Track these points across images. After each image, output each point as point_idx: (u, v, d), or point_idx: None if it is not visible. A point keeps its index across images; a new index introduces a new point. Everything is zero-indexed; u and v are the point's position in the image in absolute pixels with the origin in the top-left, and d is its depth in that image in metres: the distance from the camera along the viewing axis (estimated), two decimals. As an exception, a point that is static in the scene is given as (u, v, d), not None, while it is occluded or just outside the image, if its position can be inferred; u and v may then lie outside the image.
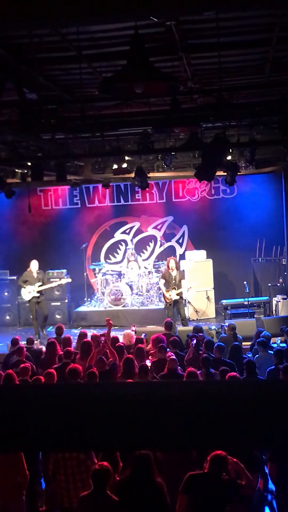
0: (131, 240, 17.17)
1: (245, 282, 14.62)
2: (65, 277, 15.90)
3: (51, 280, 15.36)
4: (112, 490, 5.11)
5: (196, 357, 9.08)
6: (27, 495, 6.38)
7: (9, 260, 17.08)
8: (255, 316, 14.26)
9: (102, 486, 5.04)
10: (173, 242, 17.55)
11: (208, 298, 15.72)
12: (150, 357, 9.62)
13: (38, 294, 14.46)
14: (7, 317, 16.63)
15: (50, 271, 16.04)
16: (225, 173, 12.03)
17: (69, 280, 15.54)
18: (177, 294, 13.82)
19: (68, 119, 9.39)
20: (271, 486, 6.73)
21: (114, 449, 4.96)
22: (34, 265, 14.64)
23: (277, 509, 6.21)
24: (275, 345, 10.40)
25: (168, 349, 9.62)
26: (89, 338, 10.26)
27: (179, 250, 17.43)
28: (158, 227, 17.60)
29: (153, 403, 1.95)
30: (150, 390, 2.09)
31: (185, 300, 14.76)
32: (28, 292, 14.45)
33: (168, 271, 14.08)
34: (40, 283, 14.47)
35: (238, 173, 11.90)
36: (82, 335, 10.92)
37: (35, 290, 14.40)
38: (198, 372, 7.77)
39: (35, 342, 12.27)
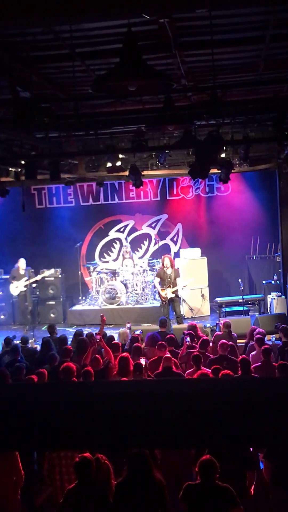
0: (126, 239, 17.18)
1: (239, 280, 14.64)
2: (60, 277, 16.04)
3: (46, 279, 15.55)
4: (111, 492, 5.11)
5: (189, 354, 9.10)
6: (22, 494, 6.37)
7: (2, 259, 17.04)
8: (249, 313, 14.28)
9: (86, 476, 5.04)
10: (167, 240, 17.56)
11: (202, 296, 15.72)
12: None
13: (25, 289, 15.01)
14: (2, 316, 16.61)
15: (44, 270, 16.03)
16: (219, 171, 12.02)
17: (52, 272, 15.83)
18: (172, 292, 13.82)
19: (61, 117, 9.36)
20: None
21: (110, 448, 4.96)
22: (22, 263, 15.23)
23: (272, 506, 6.21)
24: (270, 343, 10.41)
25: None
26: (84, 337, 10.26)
27: (174, 248, 17.43)
28: (153, 225, 17.59)
29: (149, 402, 1.95)
30: (146, 388, 2.09)
31: (180, 297, 14.77)
32: (16, 287, 15.06)
33: (163, 269, 14.08)
34: (26, 278, 15.04)
35: (232, 171, 11.89)
36: (78, 334, 10.92)
37: (22, 285, 14.93)
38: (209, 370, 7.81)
39: (30, 341, 12.26)
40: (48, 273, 15.75)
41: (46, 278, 15.59)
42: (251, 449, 6.06)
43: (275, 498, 6.05)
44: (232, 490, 5.01)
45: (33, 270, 15.33)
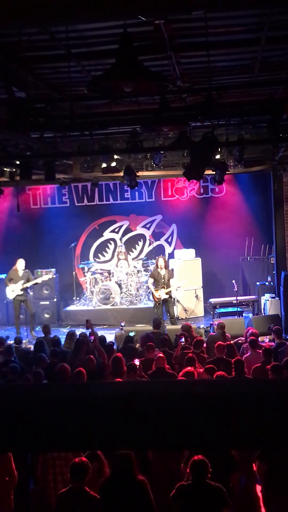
0: (120, 239, 17.18)
1: (233, 281, 14.66)
2: (54, 277, 15.91)
3: (41, 279, 15.29)
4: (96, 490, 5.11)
5: (183, 355, 9.10)
6: (15, 495, 6.35)
7: (-3, 259, 17.03)
8: (243, 314, 14.30)
9: (81, 481, 5.03)
10: (162, 241, 17.57)
11: (196, 296, 15.74)
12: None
13: (22, 293, 14.36)
14: (-5, 316, 16.55)
15: (39, 270, 15.99)
16: (214, 172, 12.04)
17: (51, 276, 15.40)
18: (166, 293, 13.83)
19: (57, 117, 9.36)
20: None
21: (104, 448, 4.95)
22: (20, 264, 14.57)
23: (265, 508, 6.22)
24: (263, 344, 10.44)
25: (156, 348, 9.63)
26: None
27: (168, 249, 17.44)
28: (147, 226, 17.60)
29: (142, 403, 1.95)
30: (139, 389, 2.09)
31: (174, 298, 14.77)
32: (12, 291, 14.39)
33: (157, 270, 14.09)
34: (23, 281, 14.34)
35: (227, 172, 11.91)
36: (71, 334, 10.92)
37: (18, 288, 14.31)
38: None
39: (24, 341, 12.23)
40: (47, 277, 15.13)
41: (41, 279, 15.44)
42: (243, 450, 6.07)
43: (269, 500, 6.06)
44: (224, 490, 5.03)
45: (27, 270, 14.62)
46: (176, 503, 5.08)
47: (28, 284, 14.48)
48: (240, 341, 10.84)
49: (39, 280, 14.83)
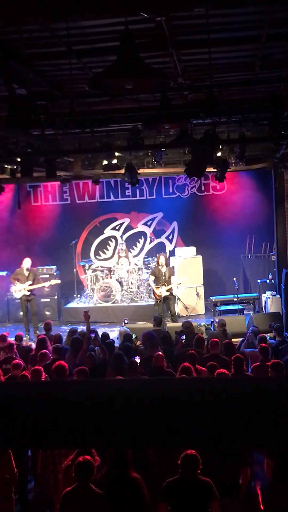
0: (121, 237, 17.18)
1: (234, 279, 14.65)
2: (55, 274, 15.90)
3: (41, 276, 15.23)
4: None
5: (183, 353, 9.09)
6: (15, 492, 6.36)
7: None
8: (244, 312, 14.31)
9: (86, 479, 5.02)
10: (163, 239, 17.56)
11: (197, 294, 15.74)
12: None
13: (29, 293, 14.27)
14: (-4, 314, 16.55)
15: (40, 267, 15.99)
16: (215, 170, 12.03)
17: (58, 281, 15.33)
18: (167, 291, 13.84)
19: (57, 115, 9.34)
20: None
21: (104, 446, 4.96)
22: (26, 263, 14.45)
23: (273, 505, 6.18)
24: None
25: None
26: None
27: (169, 247, 17.44)
28: (148, 223, 17.59)
29: (142, 401, 1.95)
30: (140, 387, 2.09)
31: (175, 296, 14.78)
32: (19, 290, 14.29)
33: (158, 268, 14.10)
34: (30, 282, 14.24)
35: (228, 170, 11.90)
36: (72, 332, 10.92)
37: (25, 288, 14.22)
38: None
39: (24, 339, 12.23)
40: (54, 283, 14.95)
41: (41, 276, 15.43)
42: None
43: (277, 496, 6.03)
44: (211, 483, 5.03)
45: (33, 269, 14.50)
46: (166, 501, 5.03)
47: (35, 286, 14.33)
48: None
49: (46, 284, 14.68)
